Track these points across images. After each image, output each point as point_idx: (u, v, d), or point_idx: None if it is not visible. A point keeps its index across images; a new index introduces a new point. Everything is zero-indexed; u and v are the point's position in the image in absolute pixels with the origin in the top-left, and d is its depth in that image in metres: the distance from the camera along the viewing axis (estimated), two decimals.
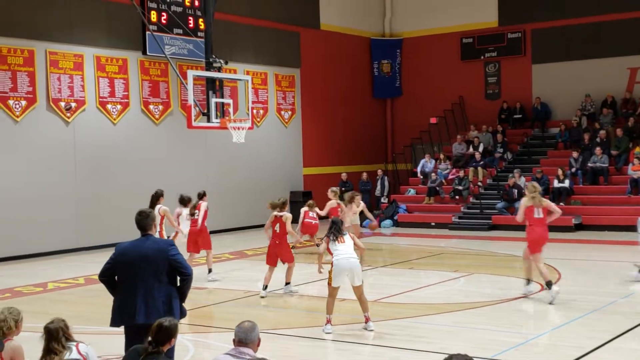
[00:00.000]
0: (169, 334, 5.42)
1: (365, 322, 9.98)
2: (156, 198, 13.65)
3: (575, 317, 10.51)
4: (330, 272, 10.06)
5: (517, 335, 9.48)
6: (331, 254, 10.13)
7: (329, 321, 9.99)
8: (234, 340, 5.23)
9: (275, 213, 12.74)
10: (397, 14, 28.73)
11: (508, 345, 8.94)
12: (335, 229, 10.15)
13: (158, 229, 13.03)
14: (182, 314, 6.80)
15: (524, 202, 12.05)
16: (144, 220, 6.78)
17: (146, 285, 6.57)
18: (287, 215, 12.71)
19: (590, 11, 24.52)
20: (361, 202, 16.34)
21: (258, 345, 5.26)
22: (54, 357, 5.55)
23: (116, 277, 6.75)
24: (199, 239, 14.00)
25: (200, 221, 14.00)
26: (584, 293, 12.41)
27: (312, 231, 16.57)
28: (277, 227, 12.61)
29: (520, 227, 19.66)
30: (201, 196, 14.40)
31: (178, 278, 6.71)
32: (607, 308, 11.07)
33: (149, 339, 5.36)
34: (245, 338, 5.18)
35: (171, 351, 6.18)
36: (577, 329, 9.94)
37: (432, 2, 27.65)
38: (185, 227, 14.11)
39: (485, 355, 8.53)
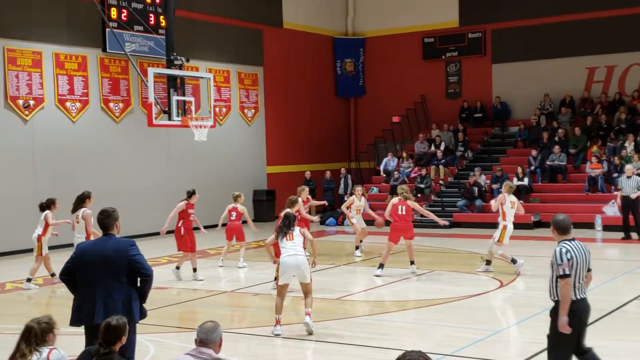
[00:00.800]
0: (118, 332, 5.37)
1: (305, 315, 9.68)
2: (82, 200, 13.33)
3: (535, 313, 10.65)
4: (277, 270, 9.99)
5: (478, 332, 9.58)
6: (277, 251, 10.12)
7: (277, 322, 9.75)
8: (195, 340, 5.21)
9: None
10: (359, 13, 28.83)
11: (468, 342, 9.03)
12: (286, 224, 10.00)
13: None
14: (142, 314, 6.73)
15: (392, 201, 14.41)
16: (105, 220, 6.71)
17: (106, 285, 6.50)
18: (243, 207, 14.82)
19: (550, 12, 24.87)
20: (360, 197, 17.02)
21: (220, 345, 5.24)
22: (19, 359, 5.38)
23: (77, 277, 6.68)
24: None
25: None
26: (544, 289, 12.55)
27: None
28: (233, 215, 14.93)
29: (482, 225, 19.91)
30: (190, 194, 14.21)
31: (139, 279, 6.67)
32: None
33: (99, 340, 5.32)
34: (206, 338, 5.16)
35: (129, 350, 6.14)
36: (537, 324, 10.07)
37: (395, 2, 27.79)
38: None
39: (445, 351, 8.61)
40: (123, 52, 18.58)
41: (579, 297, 6.50)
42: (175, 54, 16.11)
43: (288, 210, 11.01)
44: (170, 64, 15.91)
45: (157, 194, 21.45)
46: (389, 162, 24.94)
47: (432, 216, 15.18)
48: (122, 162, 20.76)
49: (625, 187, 17.93)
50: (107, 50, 20.10)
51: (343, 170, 25.64)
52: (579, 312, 6.51)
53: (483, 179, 22.12)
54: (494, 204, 14.23)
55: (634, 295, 11.54)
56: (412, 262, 14.20)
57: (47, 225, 13.75)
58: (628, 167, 18.39)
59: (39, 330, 5.45)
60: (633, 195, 17.73)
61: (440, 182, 23.47)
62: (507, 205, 13.70)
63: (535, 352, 8.57)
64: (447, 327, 9.94)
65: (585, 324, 6.69)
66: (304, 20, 26.99)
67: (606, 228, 19.38)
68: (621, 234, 18.60)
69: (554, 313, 6.60)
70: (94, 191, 19.28)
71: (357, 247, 17.08)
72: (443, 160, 24.07)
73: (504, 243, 13.81)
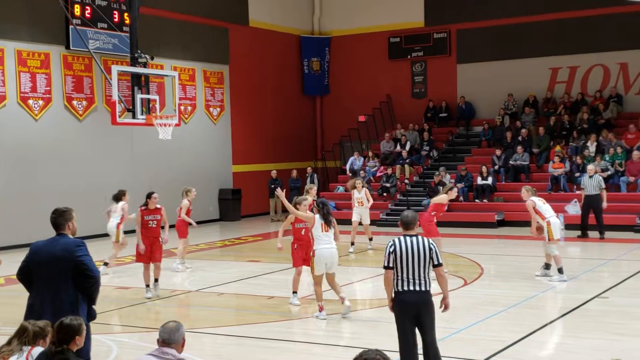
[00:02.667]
0: (71, 332, 5.33)
1: (342, 302, 10.44)
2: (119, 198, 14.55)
3: (498, 311, 10.76)
4: (312, 262, 10.43)
5: (440, 330, 9.58)
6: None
7: (321, 308, 10.42)
8: (158, 340, 5.17)
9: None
10: (326, 12, 28.86)
11: None
12: (326, 211, 10.38)
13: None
14: (91, 316, 6.56)
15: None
16: (56, 219, 6.61)
17: (54, 285, 6.42)
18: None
19: (514, 13, 25.13)
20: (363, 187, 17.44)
21: (183, 345, 5.21)
22: (4, 354, 5.46)
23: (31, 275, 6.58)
24: None
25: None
26: (506, 288, 12.72)
27: None
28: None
29: (446, 224, 20.03)
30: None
31: None
32: (528, 302, 11.37)
33: (54, 339, 5.28)
34: (169, 338, 5.13)
35: (84, 352, 6.05)
36: (499, 322, 10.18)
37: (361, 1, 27.86)
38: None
39: None
40: (87, 50, 18.35)
41: (405, 289, 6.86)
42: (139, 51, 15.96)
43: (323, 199, 11.26)
44: (134, 62, 15.76)
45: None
46: (355, 161, 25.00)
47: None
48: (85, 161, 20.52)
49: (587, 186, 18.19)
50: (71, 48, 19.86)
51: (309, 169, 25.64)
52: (403, 303, 6.88)
53: (448, 178, 22.26)
54: (532, 221, 13.40)
55: (595, 294, 11.71)
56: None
57: (123, 215, 14.78)
58: (590, 167, 18.67)
59: (31, 332, 5.60)
60: (601, 192, 17.97)
61: (406, 181, 23.58)
62: (539, 205, 13.24)
63: (497, 349, 8.66)
64: None
65: (415, 316, 6.90)
66: (270, 18, 26.93)
67: (568, 227, 19.59)
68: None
69: None
70: (56, 190, 19.18)
71: (352, 243, 17.24)
72: (408, 160, 24.20)
73: (555, 239, 13.05)
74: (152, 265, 12.51)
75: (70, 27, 19.36)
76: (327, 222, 10.37)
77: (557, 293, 12.31)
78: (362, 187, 17.39)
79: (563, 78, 24.93)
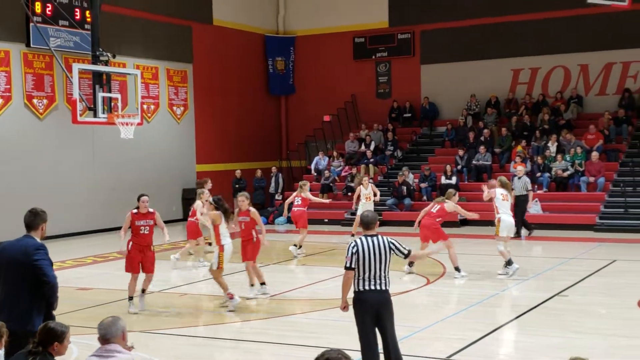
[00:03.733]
0: (51, 336, 5.26)
1: (231, 298, 10.98)
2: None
3: (460, 309, 10.86)
4: (222, 257, 11.02)
5: (403, 328, 9.65)
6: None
7: (232, 296, 11.03)
8: (98, 339, 5.15)
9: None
10: (290, 11, 28.83)
11: None
12: (225, 207, 11.17)
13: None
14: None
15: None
16: (29, 218, 6.54)
17: (13, 288, 6.35)
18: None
19: (477, 14, 25.35)
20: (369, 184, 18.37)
21: (124, 338, 5.21)
22: None
23: None
24: None
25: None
26: (468, 286, 12.83)
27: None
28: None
29: (411, 223, 20.12)
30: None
31: None
32: (489, 301, 11.49)
33: (36, 339, 5.21)
34: (106, 334, 5.15)
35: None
36: (461, 321, 10.27)
37: (326, 1, 27.88)
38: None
39: None
40: (47, 48, 18.12)
41: (366, 288, 6.90)
42: (101, 49, 15.82)
43: (218, 196, 11.64)
44: (95, 60, 15.61)
45: (83, 192, 21.02)
46: (320, 160, 25.03)
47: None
48: (46, 160, 20.25)
49: (515, 187, 18.49)
50: (31, 45, 19.58)
51: (274, 169, 25.60)
52: (364, 303, 6.92)
53: (411, 178, 22.40)
54: (485, 193, 14.12)
55: (555, 292, 11.87)
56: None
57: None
58: (519, 169, 19.08)
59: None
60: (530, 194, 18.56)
61: (370, 180, 23.63)
62: (499, 199, 13.55)
63: (459, 348, 8.74)
64: None
65: (376, 315, 6.93)
66: (234, 17, 26.82)
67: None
68: (545, 232, 19.18)
69: None
70: (16, 189, 18.88)
71: (352, 235, 17.46)
72: (373, 160, 24.29)
73: (501, 236, 13.43)
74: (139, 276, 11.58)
75: (31, 24, 19.09)
76: (227, 218, 11.02)
77: (517, 292, 12.45)
78: (369, 183, 18.42)
79: (525, 79, 25.23)
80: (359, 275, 6.90)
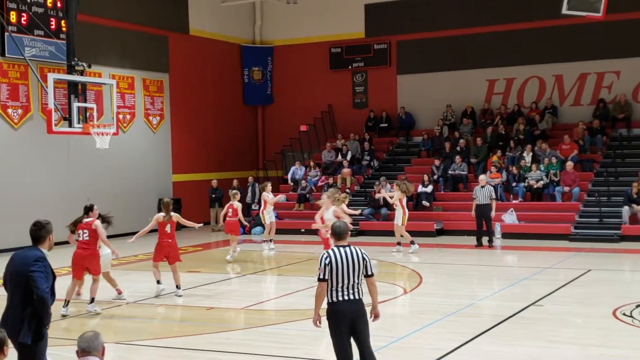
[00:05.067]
0: None
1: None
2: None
3: (436, 319, 10.88)
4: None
5: (380, 339, 9.66)
6: None
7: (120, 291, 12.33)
8: (77, 352, 5.12)
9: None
10: (267, 21, 28.87)
11: None
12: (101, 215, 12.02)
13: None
14: (36, 336, 6.29)
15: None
16: (35, 231, 6.58)
17: (12, 298, 6.42)
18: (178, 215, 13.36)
19: (452, 25, 25.54)
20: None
21: (103, 354, 5.20)
22: None
23: None
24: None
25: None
26: (444, 296, 12.88)
27: None
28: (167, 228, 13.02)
29: (388, 233, 20.19)
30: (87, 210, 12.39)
31: None
32: (464, 310, 11.53)
33: None
34: (88, 347, 5.12)
35: None
36: (437, 331, 10.30)
37: (302, 11, 27.93)
38: None
39: None
40: (22, 57, 18.00)
41: (340, 299, 6.88)
42: (76, 59, 15.73)
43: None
44: (71, 70, 15.53)
45: (58, 202, 20.83)
46: (297, 170, 25.03)
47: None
48: (20, 170, 20.06)
49: (479, 196, 18.64)
50: (6, 55, 19.42)
51: (250, 179, 25.56)
52: (339, 313, 6.89)
53: (388, 188, 22.44)
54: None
55: (530, 302, 11.94)
56: None
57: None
58: (481, 177, 19.30)
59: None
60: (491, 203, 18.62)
61: (347, 190, 23.69)
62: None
63: (434, 357, 8.76)
64: None
65: (351, 326, 6.92)
66: (210, 27, 26.79)
67: (505, 236, 20.00)
68: (520, 241, 19.33)
69: None
70: None
71: (398, 243, 18.42)
72: (349, 169, 24.32)
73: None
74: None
75: (6, 34, 18.96)
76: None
77: (493, 301, 12.52)
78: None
79: (500, 89, 25.44)
80: (332, 286, 6.88)
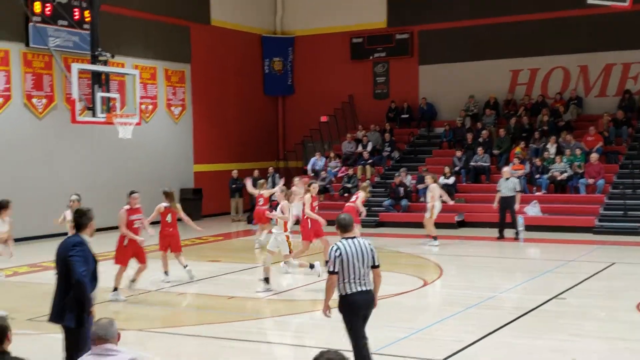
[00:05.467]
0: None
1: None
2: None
3: (457, 311, 10.84)
4: None
5: (400, 330, 9.68)
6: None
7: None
8: (93, 340, 5.15)
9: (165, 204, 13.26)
10: (288, 11, 28.82)
11: (390, 340, 9.11)
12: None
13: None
14: (78, 321, 6.44)
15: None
16: (76, 219, 6.78)
17: (59, 282, 6.65)
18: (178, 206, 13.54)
19: (475, 15, 25.34)
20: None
21: (118, 340, 5.25)
22: None
23: None
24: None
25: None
26: (465, 288, 12.83)
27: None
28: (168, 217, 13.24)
29: (408, 224, 20.11)
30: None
31: None
32: (486, 303, 11.48)
33: None
34: (105, 334, 5.16)
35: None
36: (458, 322, 10.26)
37: (323, 1, 27.86)
38: None
39: None
40: (46, 47, 18.11)
41: (352, 290, 6.96)
42: (100, 49, 15.80)
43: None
44: (94, 60, 15.61)
45: (81, 191, 20.92)
46: (317, 161, 25.00)
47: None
48: (45, 159, 20.23)
49: (503, 188, 18.51)
50: (30, 45, 19.57)
51: (271, 169, 25.55)
52: (354, 305, 7.01)
53: (409, 179, 22.38)
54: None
55: (553, 294, 11.85)
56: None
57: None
58: (505, 169, 19.13)
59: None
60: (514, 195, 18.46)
61: (367, 181, 23.61)
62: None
63: (455, 349, 8.73)
64: (370, 325, 10.00)
65: (364, 315, 7.12)
66: (232, 17, 26.81)
67: (528, 228, 19.83)
68: (543, 234, 19.19)
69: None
70: (15, 188, 18.84)
71: (434, 238, 17.94)
72: (370, 160, 24.27)
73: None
74: None
75: (30, 24, 19.09)
76: None
77: (515, 294, 12.45)
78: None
79: (524, 80, 25.22)
80: (344, 279, 6.95)
